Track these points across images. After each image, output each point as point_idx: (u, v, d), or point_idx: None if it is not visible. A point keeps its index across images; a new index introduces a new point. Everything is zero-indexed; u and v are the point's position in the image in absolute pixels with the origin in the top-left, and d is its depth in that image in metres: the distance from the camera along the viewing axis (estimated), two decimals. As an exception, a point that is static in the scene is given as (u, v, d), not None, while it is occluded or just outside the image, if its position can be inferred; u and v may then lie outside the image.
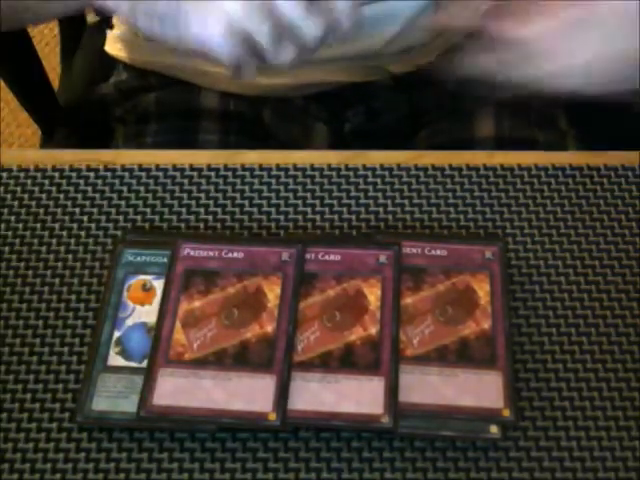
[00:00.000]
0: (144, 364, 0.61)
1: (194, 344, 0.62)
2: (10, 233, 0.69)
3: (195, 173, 0.72)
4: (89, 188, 0.71)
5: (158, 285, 0.64)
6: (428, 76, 0.89)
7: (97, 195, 0.71)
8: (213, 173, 0.72)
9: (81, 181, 0.71)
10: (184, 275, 0.65)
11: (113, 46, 0.92)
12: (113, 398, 0.60)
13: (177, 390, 0.60)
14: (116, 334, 0.62)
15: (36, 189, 0.71)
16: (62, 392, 0.61)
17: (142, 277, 0.65)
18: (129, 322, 0.63)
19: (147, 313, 0.63)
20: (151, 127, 0.89)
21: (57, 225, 0.69)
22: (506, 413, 0.59)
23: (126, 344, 0.62)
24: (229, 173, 0.72)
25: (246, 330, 0.62)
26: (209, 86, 0.89)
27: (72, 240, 0.68)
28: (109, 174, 0.72)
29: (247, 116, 0.87)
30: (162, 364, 0.61)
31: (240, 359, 0.61)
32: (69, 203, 0.70)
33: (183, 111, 0.89)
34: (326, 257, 0.66)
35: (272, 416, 0.58)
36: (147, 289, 0.64)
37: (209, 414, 0.59)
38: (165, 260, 0.65)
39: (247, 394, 0.59)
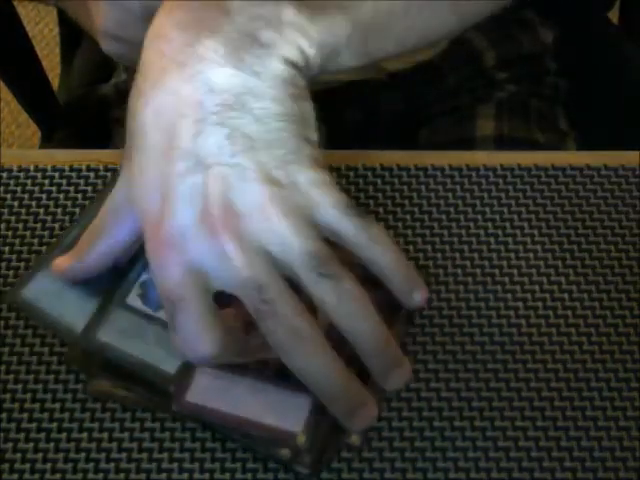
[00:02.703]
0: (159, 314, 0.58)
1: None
2: (10, 233, 0.69)
3: (195, 173, 0.72)
4: (89, 188, 0.71)
5: None
6: (425, 73, 0.89)
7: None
8: (213, 173, 0.72)
9: (81, 181, 0.71)
10: None
11: (113, 46, 0.92)
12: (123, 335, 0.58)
13: (210, 391, 0.57)
14: (144, 277, 0.60)
15: (36, 189, 0.71)
16: (62, 392, 0.61)
17: None
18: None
19: None
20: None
21: (57, 225, 0.69)
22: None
23: (149, 291, 0.59)
24: (229, 173, 0.72)
25: None
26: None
27: (72, 240, 0.68)
28: (109, 174, 0.72)
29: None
30: None
31: (280, 374, 0.56)
32: (69, 203, 0.70)
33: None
34: None
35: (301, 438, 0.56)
36: None
37: (237, 423, 0.57)
38: None
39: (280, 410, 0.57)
